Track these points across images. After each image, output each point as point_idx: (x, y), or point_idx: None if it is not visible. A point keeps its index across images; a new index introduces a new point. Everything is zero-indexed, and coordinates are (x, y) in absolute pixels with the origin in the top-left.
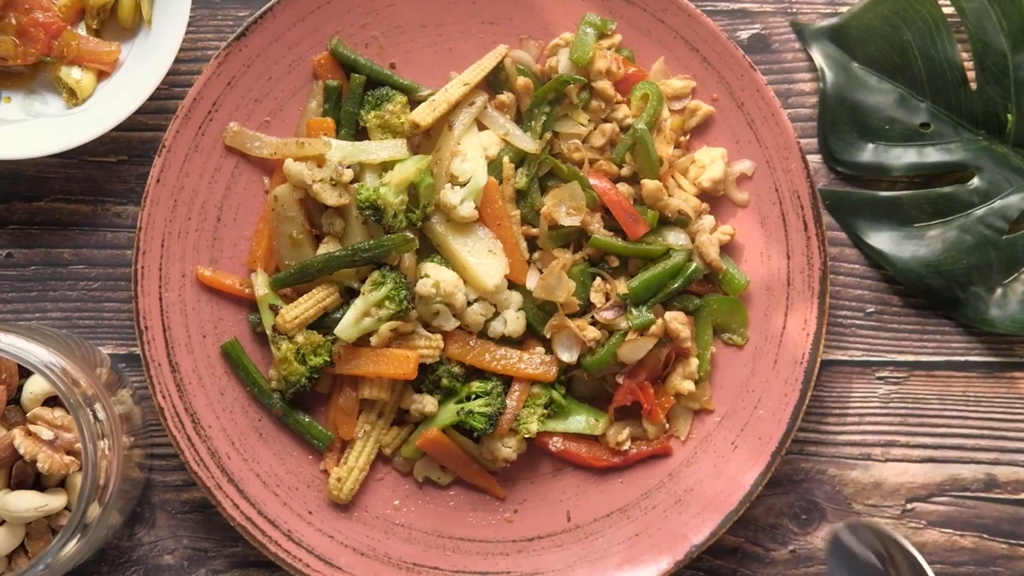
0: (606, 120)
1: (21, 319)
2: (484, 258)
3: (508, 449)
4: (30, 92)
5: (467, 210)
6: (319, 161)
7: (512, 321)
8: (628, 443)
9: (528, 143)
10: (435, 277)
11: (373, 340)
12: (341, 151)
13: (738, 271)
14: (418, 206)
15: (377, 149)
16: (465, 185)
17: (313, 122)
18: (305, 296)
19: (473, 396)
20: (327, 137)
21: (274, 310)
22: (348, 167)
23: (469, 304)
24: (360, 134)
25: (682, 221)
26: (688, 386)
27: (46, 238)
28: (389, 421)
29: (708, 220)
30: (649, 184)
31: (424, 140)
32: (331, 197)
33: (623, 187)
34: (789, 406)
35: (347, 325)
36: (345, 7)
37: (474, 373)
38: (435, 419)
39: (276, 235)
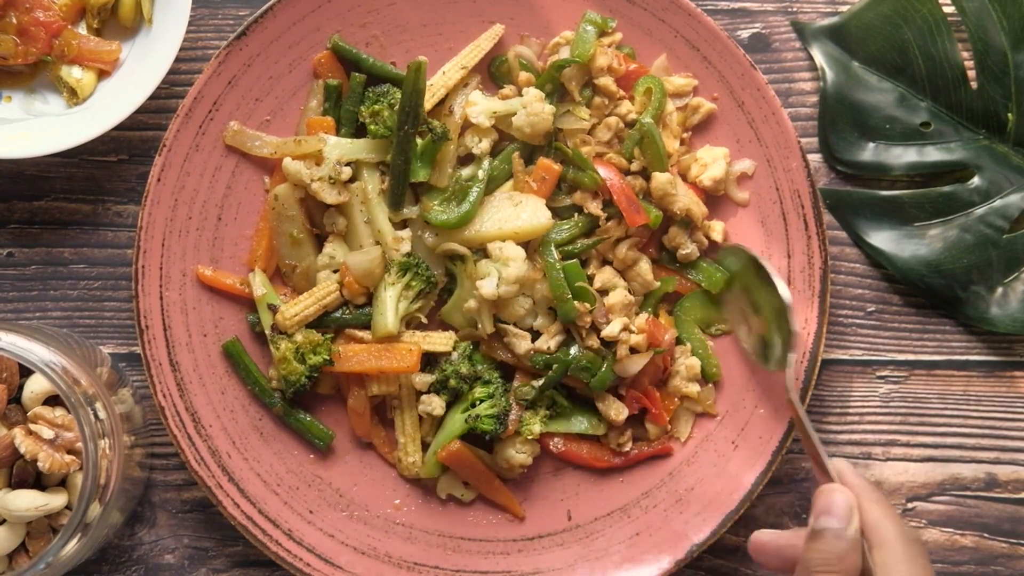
0: (609, 116)
1: (22, 318)
2: (519, 212)
3: (522, 455)
4: (31, 91)
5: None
6: (317, 159)
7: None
8: (629, 444)
9: None
10: (500, 255)
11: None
12: (339, 148)
13: (715, 266)
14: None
15: (375, 145)
16: None
17: (313, 121)
18: (305, 294)
19: (477, 402)
20: (324, 134)
21: (273, 309)
22: (347, 164)
23: None
24: (360, 132)
25: (685, 222)
26: (693, 388)
27: (47, 237)
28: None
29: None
30: (660, 176)
31: None
32: (330, 195)
33: (634, 180)
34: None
35: (388, 316)
36: (346, 6)
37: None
38: (446, 431)
39: (276, 234)
